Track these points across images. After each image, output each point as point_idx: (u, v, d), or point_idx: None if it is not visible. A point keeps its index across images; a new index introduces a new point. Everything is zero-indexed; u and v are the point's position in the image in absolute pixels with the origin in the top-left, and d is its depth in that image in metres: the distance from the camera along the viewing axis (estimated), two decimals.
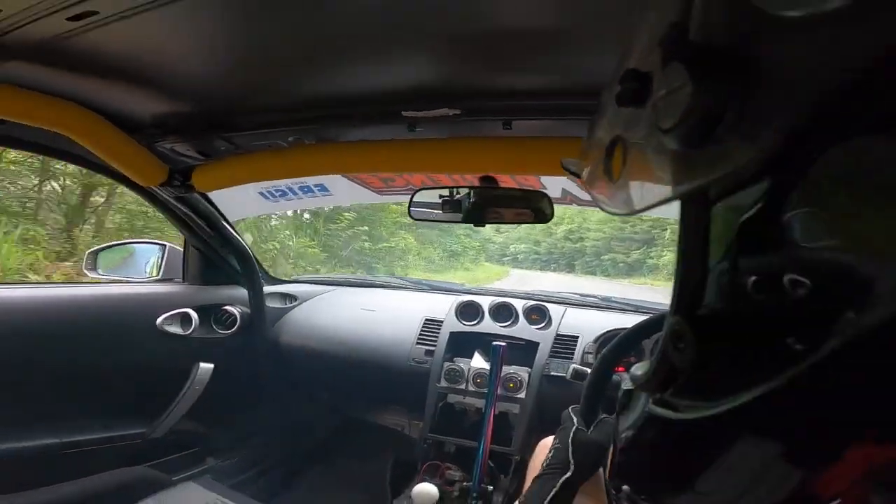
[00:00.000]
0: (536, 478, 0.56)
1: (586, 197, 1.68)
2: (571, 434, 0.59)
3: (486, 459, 1.35)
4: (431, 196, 1.18)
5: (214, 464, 1.66)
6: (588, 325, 1.50)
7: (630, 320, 1.49)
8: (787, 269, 0.21)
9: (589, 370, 1.27)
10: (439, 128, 0.94)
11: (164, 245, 1.64)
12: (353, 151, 1.03)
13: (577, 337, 1.48)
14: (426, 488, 1.20)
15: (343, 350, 1.66)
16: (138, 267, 1.64)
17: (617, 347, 1.06)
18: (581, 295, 1.77)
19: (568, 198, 1.72)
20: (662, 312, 1.08)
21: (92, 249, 1.59)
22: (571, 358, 1.44)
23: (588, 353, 1.42)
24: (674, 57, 0.20)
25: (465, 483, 1.40)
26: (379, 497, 1.70)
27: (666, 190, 0.22)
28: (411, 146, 0.98)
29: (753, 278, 0.23)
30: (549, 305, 1.59)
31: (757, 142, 0.18)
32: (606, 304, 1.70)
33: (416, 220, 1.20)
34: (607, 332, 1.40)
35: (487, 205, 1.12)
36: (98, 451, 1.33)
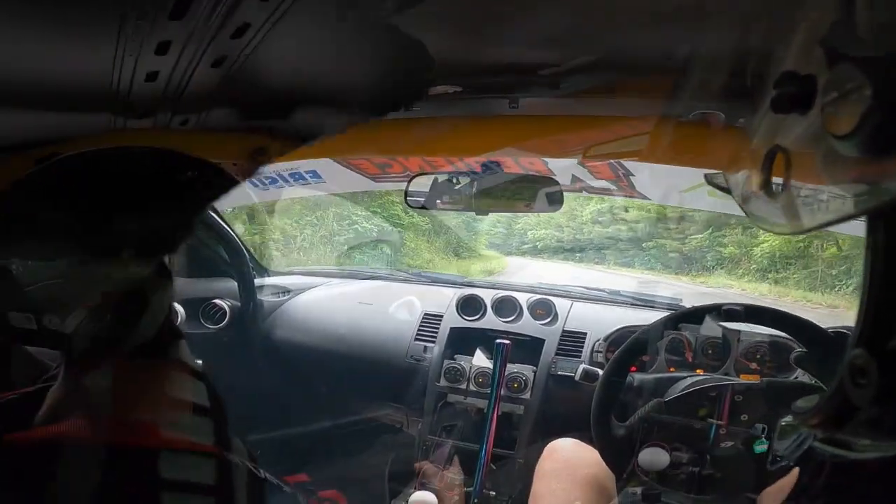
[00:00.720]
0: None
1: (598, 184, 1.59)
2: None
3: (489, 463, 1.28)
4: (430, 183, 1.09)
5: None
6: (596, 322, 1.42)
7: (640, 316, 1.42)
8: None
9: (599, 371, 1.20)
10: (437, 107, 0.85)
11: None
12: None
13: (586, 334, 1.40)
14: (424, 497, 1.13)
15: (339, 345, 1.59)
16: None
17: (632, 348, 0.98)
18: (588, 288, 1.70)
19: (578, 184, 1.62)
20: (682, 311, 0.99)
21: None
22: (579, 356, 1.37)
23: (598, 351, 1.34)
24: (843, 57, 0.19)
25: (466, 488, 1.33)
26: (377, 497, 1.64)
27: (847, 204, 0.20)
28: (407, 126, 0.88)
29: None
30: (554, 299, 1.51)
31: None
32: (614, 299, 1.62)
33: (413, 209, 1.12)
34: (619, 329, 1.33)
35: (491, 192, 1.03)
36: None
